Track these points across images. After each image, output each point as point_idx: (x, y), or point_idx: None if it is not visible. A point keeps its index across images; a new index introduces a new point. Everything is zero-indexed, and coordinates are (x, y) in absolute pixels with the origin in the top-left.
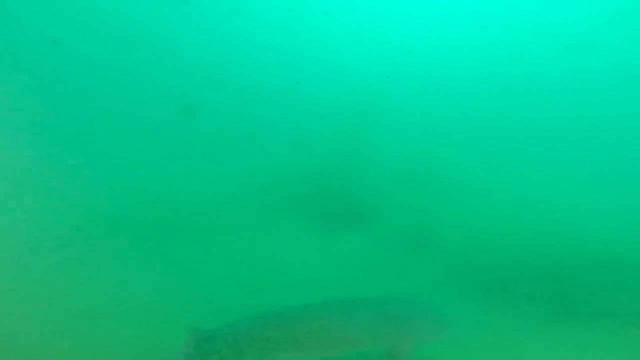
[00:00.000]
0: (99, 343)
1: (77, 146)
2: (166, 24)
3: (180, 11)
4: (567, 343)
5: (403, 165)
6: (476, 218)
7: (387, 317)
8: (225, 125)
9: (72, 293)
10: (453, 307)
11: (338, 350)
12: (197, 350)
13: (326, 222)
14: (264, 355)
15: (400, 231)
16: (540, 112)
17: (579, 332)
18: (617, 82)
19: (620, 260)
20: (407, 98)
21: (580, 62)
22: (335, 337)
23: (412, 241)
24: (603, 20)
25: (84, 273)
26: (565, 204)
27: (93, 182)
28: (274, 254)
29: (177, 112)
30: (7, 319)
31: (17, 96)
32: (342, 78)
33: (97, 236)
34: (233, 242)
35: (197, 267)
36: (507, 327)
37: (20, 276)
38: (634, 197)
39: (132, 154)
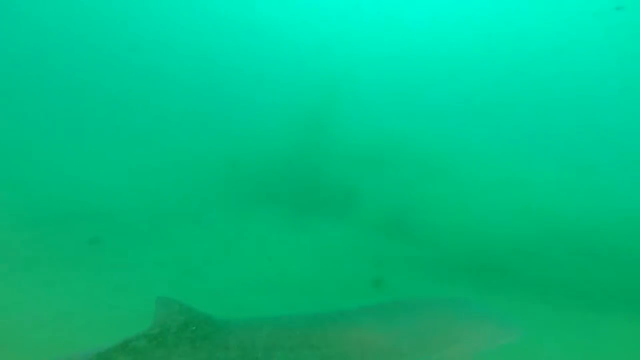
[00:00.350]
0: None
1: None
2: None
3: None
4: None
5: (375, 148)
6: (454, 198)
7: (441, 321)
8: (182, 111)
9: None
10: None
11: None
12: (169, 320)
13: (298, 212)
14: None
15: (376, 215)
16: (515, 88)
17: (581, 315)
18: (589, 64)
19: (600, 236)
20: (376, 77)
21: (553, 44)
22: (374, 349)
23: (389, 224)
24: None
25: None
26: (541, 180)
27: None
28: (245, 248)
29: (127, 97)
30: None
31: None
32: (308, 59)
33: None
34: (197, 237)
35: (161, 263)
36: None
37: None
38: (609, 174)
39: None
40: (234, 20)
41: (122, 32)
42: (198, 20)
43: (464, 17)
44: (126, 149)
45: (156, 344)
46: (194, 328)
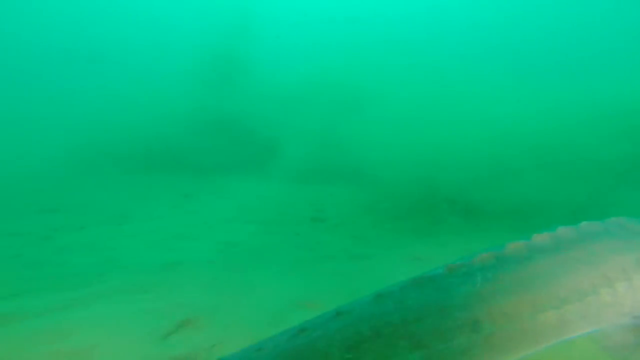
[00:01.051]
0: None
1: None
2: None
3: None
4: None
5: (295, 91)
6: (385, 131)
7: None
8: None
9: None
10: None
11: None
12: None
13: (223, 179)
14: None
15: (304, 161)
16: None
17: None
18: None
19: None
20: (283, 18)
21: None
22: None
23: (318, 168)
24: None
25: None
26: (488, 97)
27: None
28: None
29: None
30: None
31: None
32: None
33: None
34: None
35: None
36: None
37: None
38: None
39: None
40: None
41: None
42: None
43: None
44: None
45: None
46: None
